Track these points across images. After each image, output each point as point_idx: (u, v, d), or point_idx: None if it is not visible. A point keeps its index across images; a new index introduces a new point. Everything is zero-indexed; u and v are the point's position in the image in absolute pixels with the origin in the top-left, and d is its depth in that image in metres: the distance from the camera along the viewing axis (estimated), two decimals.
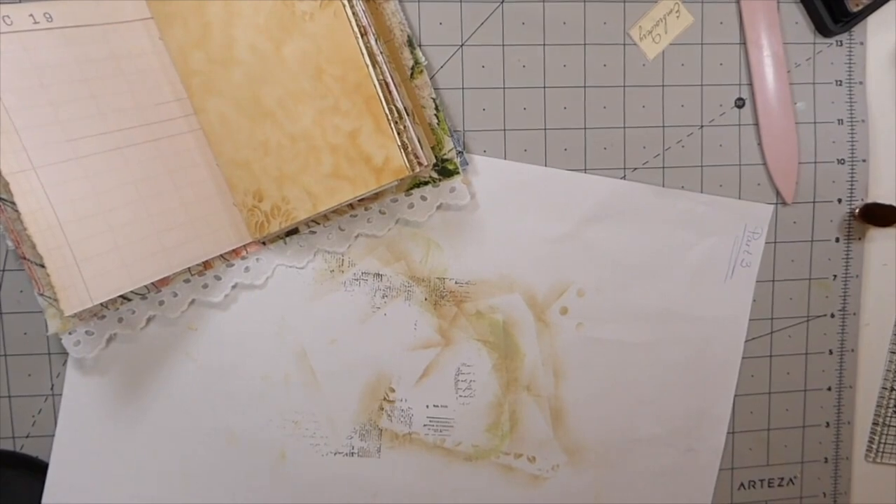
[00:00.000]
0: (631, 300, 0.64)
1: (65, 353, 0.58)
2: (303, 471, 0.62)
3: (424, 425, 0.63)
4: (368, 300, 0.61)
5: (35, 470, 0.59)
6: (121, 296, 0.54)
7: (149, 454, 0.60)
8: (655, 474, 0.66)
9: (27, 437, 0.59)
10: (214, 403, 0.60)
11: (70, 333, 0.55)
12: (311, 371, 0.61)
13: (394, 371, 0.62)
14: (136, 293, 0.56)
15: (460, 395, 0.63)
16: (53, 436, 0.59)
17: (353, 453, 0.62)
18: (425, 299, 0.61)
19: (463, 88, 0.60)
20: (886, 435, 0.68)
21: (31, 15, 0.51)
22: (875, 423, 0.68)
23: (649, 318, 0.64)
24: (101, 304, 0.55)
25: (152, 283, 0.55)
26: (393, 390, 0.62)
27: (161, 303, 0.57)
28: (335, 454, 0.62)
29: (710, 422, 0.66)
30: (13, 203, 0.49)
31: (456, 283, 0.62)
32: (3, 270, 0.57)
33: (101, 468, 0.59)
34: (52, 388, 0.59)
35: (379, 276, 0.61)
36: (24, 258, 0.53)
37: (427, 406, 0.62)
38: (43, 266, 0.49)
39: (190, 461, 0.60)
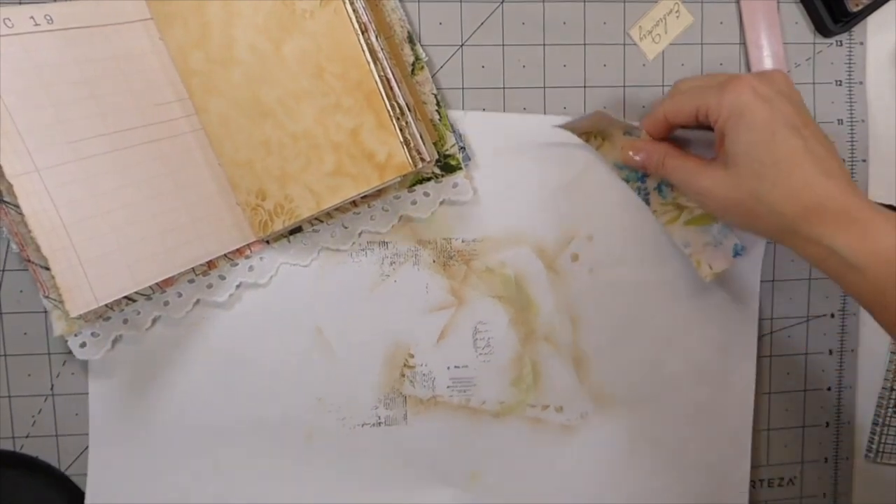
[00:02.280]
0: (642, 239, 0.63)
1: (65, 353, 0.58)
2: (332, 447, 0.62)
3: (448, 387, 0.62)
4: (377, 269, 0.61)
5: (35, 470, 0.59)
6: (125, 297, 0.54)
7: (180, 451, 0.60)
8: (689, 411, 0.65)
9: (27, 437, 0.59)
10: (236, 392, 0.60)
11: (76, 335, 0.55)
12: (329, 346, 0.61)
13: (411, 336, 0.62)
14: (141, 294, 0.56)
15: (480, 353, 0.62)
16: (55, 436, 0.59)
17: (380, 423, 0.62)
18: (433, 261, 0.61)
19: (463, 88, 0.60)
20: (886, 435, 0.68)
21: (31, 17, 0.51)
22: (875, 423, 0.68)
23: (662, 254, 0.63)
24: (107, 306, 0.55)
25: (157, 284, 0.55)
26: (412, 356, 0.62)
27: (166, 303, 0.57)
28: (362, 426, 0.62)
29: (737, 351, 0.65)
30: (17, 206, 0.49)
31: (462, 241, 0.61)
32: (3, 270, 0.57)
33: (135, 469, 0.60)
34: (52, 388, 0.59)
35: (384, 243, 0.61)
36: (29, 261, 0.53)
37: (448, 367, 0.62)
38: (48, 268, 0.49)
39: (220, 452, 0.61)
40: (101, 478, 0.59)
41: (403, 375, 0.62)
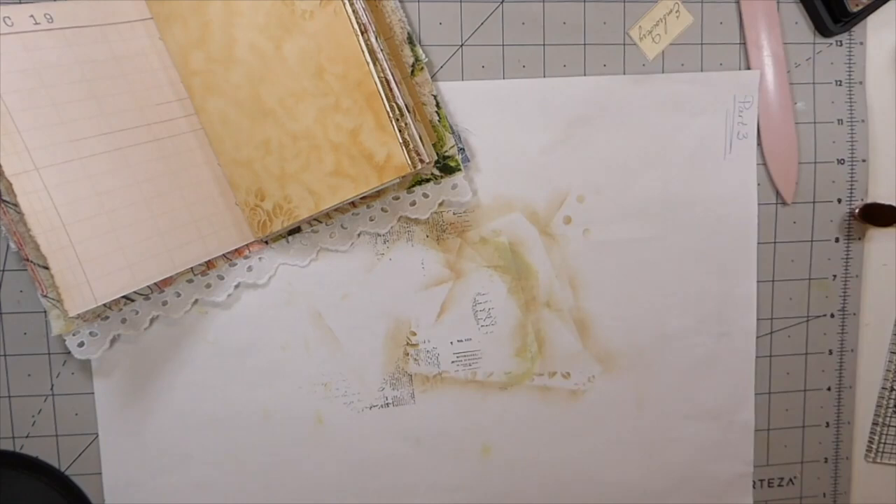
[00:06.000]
0: (633, 196, 0.63)
1: (65, 354, 0.58)
2: (342, 431, 0.62)
3: (452, 362, 0.63)
4: (371, 248, 0.61)
5: (35, 470, 0.59)
6: (124, 296, 0.54)
7: (191, 445, 0.61)
8: (693, 365, 0.65)
9: (27, 437, 0.59)
10: (241, 383, 0.61)
11: (74, 335, 0.55)
12: (330, 331, 0.61)
13: (411, 314, 0.62)
14: (140, 293, 0.56)
15: (482, 325, 0.63)
16: (55, 436, 0.59)
17: (388, 404, 0.63)
18: (427, 236, 0.61)
19: None
20: (886, 435, 0.68)
21: (31, 16, 0.51)
22: (875, 423, 0.68)
23: (655, 210, 0.63)
24: (105, 305, 0.55)
25: (155, 284, 0.55)
26: (414, 333, 0.62)
27: (164, 303, 0.57)
28: (370, 408, 0.62)
29: (736, 302, 0.65)
30: (16, 205, 0.49)
31: (454, 213, 0.61)
32: (3, 270, 0.57)
33: (149, 465, 0.60)
34: (52, 388, 0.59)
35: None
36: (28, 260, 0.53)
37: (451, 343, 0.62)
38: (46, 268, 0.49)
39: (231, 443, 0.61)
40: (116, 480, 0.60)
41: (407, 354, 0.62)
